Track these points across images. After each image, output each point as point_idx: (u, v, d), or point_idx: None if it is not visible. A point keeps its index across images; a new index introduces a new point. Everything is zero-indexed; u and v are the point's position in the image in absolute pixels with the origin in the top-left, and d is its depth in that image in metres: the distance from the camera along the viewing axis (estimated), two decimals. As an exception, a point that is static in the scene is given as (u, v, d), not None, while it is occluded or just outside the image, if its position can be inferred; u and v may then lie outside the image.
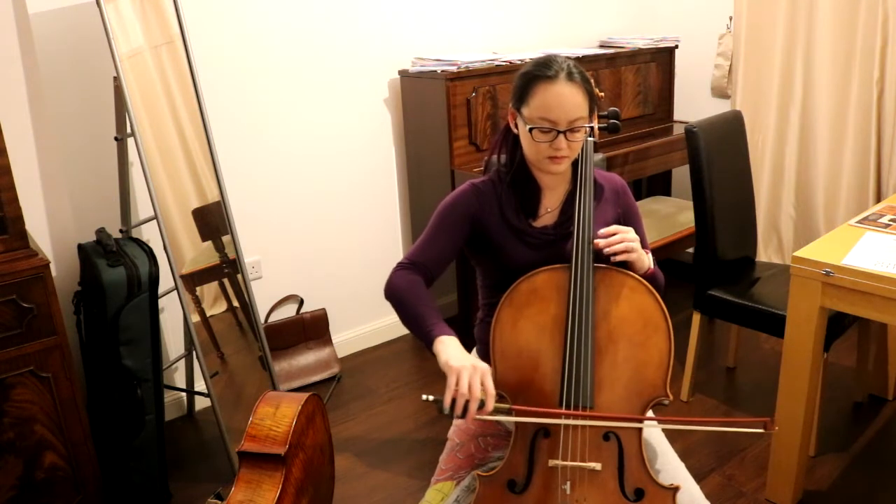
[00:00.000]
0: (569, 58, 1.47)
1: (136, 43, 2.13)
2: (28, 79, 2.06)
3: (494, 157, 1.60)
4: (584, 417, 1.31)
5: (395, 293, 1.45)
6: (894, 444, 2.37)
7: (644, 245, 1.52)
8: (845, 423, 2.48)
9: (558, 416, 1.32)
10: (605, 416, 1.33)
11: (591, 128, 1.47)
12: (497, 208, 1.51)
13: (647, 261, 1.46)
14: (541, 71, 1.42)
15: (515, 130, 1.51)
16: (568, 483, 1.30)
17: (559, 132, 1.40)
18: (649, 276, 1.46)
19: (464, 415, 1.23)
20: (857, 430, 2.45)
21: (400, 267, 1.49)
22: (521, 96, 1.45)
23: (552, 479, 1.32)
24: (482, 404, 1.24)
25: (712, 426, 1.35)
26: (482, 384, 1.24)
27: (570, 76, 1.41)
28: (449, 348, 1.30)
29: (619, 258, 1.40)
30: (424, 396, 1.27)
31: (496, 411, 1.26)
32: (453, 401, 1.22)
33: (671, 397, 1.37)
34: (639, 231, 1.55)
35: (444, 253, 1.51)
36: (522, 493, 1.33)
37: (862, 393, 2.60)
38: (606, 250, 1.40)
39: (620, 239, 1.40)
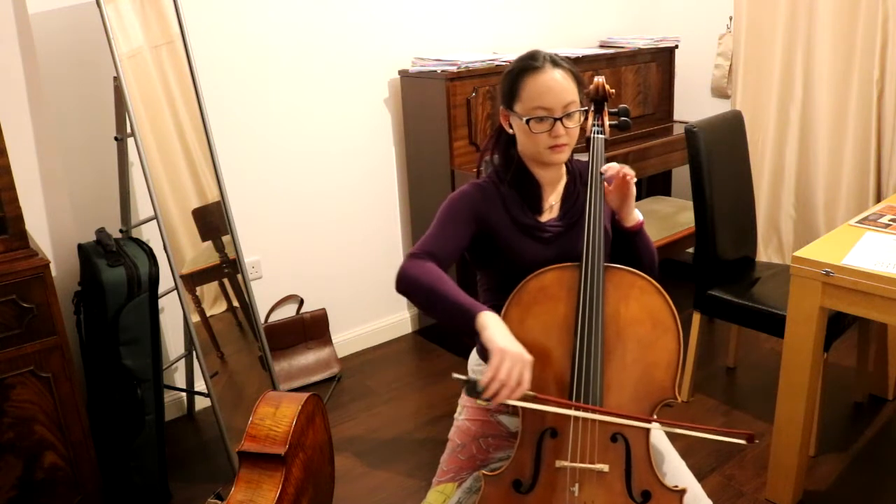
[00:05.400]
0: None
1: (136, 43, 2.13)
2: (28, 79, 2.06)
3: (488, 157, 1.60)
4: (598, 412, 1.31)
5: (414, 281, 1.38)
6: (894, 444, 2.37)
7: None
8: (845, 423, 2.48)
9: (580, 408, 1.31)
10: (618, 412, 1.32)
11: (586, 111, 1.48)
12: (502, 207, 1.50)
13: (636, 213, 1.50)
14: (527, 64, 1.44)
15: (511, 131, 1.51)
16: (577, 485, 1.30)
17: (556, 119, 1.41)
18: (645, 239, 1.51)
19: (491, 398, 1.21)
20: (857, 430, 2.45)
21: (413, 257, 1.43)
22: (512, 93, 1.46)
23: (558, 480, 1.32)
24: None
25: (698, 433, 1.35)
26: (520, 375, 1.22)
27: (555, 63, 1.43)
28: (496, 326, 1.28)
29: (616, 185, 1.43)
30: (455, 375, 1.25)
31: (524, 397, 1.25)
32: (489, 383, 1.20)
33: (679, 399, 1.37)
34: None
35: (454, 246, 1.47)
36: (528, 494, 1.33)
37: (862, 393, 2.60)
38: (609, 174, 1.43)
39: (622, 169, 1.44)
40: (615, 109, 1.61)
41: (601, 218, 1.43)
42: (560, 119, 1.41)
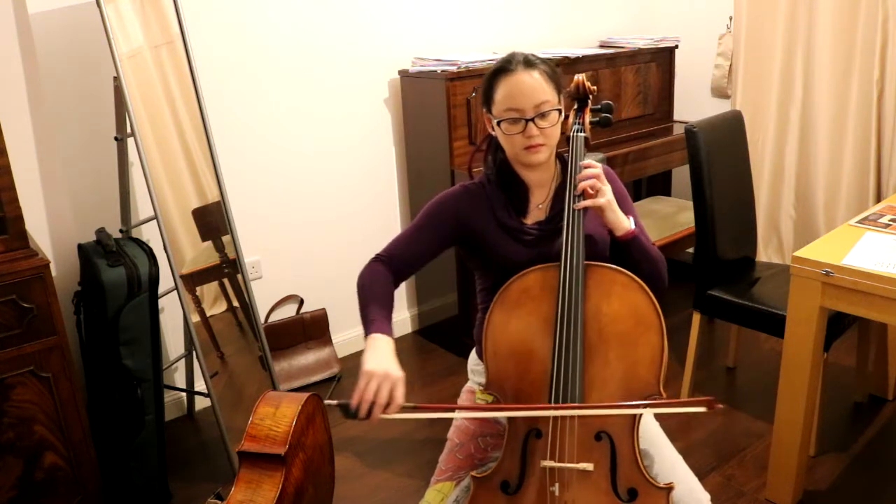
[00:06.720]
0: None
1: (136, 43, 2.13)
2: (28, 79, 2.07)
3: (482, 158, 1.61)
4: (555, 409, 1.30)
5: (360, 283, 1.48)
6: (894, 444, 2.37)
7: (634, 215, 1.50)
8: (845, 423, 2.48)
9: (515, 409, 1.32)
10: (575, 406, 1.31)
11: (560, 110, 1.45)
12: (488, 209, 1.51)
13: (624, 221, 1.43)
14: (500, 66, 1.45)
15: (493, 133, 1.51)
16: (556, 485, 1.29)
17: (527, 120, 1.41)
18: (641, 247, 1.44)
19: (368, 416, 1.26)
20: (857, 430, 2.45)
21: (375, 259, 1.51)
22: (488, 96, 1.47)
23: (545, 480, 1.31)
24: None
25: (657, 408, 1.35)
26: (390, 392, 1.26)
27: (527, 64, 1.43)
28: (372, 349, 1.32)
29: (585, 200, 1.40)
30: (327, 402, 1.33)
31: (403, 409, 1.28)
32: (359, 404, 1.25)
33: (664, 395, 1.35)
34: (627, 207, 1.52)
35: (422, 252, 1.52)
36: (515, 494, 1.32)
37: (862, 393, 2.60)
38: (581, 184, 1.40)
39: (592, 175, 1.41)
40: (598, 106, 1.58)
41: (579, 216, 1.41)
42: (532, 119, 1.41)
